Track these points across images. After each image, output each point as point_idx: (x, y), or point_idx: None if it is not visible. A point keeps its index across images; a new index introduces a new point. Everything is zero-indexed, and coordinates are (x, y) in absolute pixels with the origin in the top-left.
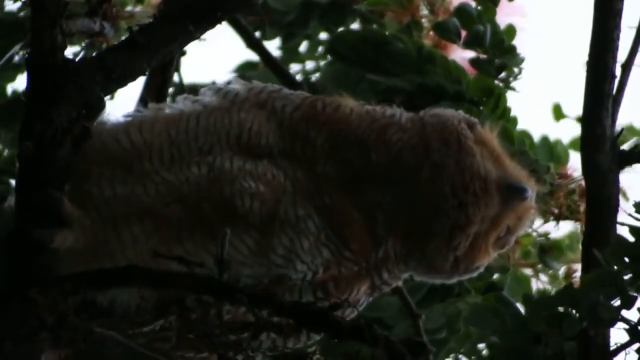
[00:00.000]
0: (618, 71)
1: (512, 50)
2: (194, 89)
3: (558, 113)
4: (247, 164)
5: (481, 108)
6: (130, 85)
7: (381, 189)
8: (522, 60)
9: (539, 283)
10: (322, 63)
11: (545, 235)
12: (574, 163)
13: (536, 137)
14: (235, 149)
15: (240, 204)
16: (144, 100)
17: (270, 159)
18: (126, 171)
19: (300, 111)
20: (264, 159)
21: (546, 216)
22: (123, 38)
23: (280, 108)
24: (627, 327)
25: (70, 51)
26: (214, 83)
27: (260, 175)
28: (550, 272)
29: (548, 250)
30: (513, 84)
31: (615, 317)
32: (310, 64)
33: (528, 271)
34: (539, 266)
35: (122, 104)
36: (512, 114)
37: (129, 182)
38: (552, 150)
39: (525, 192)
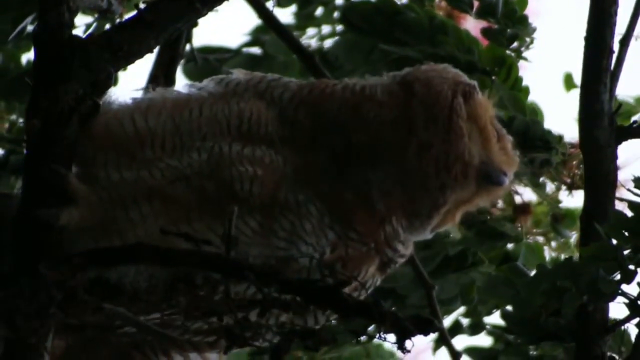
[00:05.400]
0: (616, 46)
1: (524, 20)
2: (208, 51)
3: (569, 83)
4: (245, 149)
5: (493, 78)
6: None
7: (370, 167)
8: (533, 30)
9: (551, 252)
10: (338, 28)
11: (558, 203)
12: None
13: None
14: (236, 138)
15: (240, 187)
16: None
17: (270, 145)
18: (130, 157)
19: (297, 97)
20: (263, 145)
21: (559, 185)
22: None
23: (279, 96)
24: (626, 301)
25: (82, 21)
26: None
27: (257, 159)
28: (562, 240)
29: (560, 219)
30: (525, 54)
31: (615, 291)
32: (326, 28)
33: (540, 239)
34: (551, 234)
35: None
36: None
37: (134, 167)
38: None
39: (501, 183)
